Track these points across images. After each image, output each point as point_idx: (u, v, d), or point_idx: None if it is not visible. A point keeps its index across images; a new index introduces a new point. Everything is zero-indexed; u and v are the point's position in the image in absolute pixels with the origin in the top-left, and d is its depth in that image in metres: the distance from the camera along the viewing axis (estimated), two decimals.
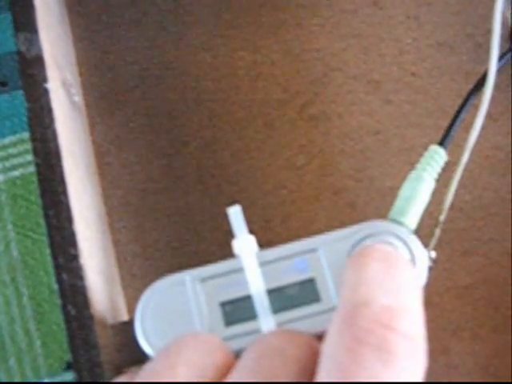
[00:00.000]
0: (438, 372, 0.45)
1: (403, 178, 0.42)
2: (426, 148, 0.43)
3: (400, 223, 0.42)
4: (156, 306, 0.40)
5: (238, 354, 0.38)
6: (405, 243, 0.41)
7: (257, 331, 0.39)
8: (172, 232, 0.49)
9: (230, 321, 0.40)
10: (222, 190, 0.49)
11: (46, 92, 0.44)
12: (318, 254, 0.41)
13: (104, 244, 0.46)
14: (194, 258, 0.47)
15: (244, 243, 0.40)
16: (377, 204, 0.48)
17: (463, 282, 0.47)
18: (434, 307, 0.47)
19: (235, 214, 0.41)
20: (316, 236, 0.41)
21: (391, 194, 0.47)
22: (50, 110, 0.43)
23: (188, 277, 0.41)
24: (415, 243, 0.41)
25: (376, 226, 0.41)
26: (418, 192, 0.42)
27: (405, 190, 0.43)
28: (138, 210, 0.49)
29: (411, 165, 0.43)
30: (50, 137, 0.43)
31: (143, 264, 0.48)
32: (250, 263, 0.40)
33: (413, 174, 0.43)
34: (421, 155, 0.43)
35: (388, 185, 0.48)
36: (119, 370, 0.40)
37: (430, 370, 0.47)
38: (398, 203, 0.43)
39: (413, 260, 0.41)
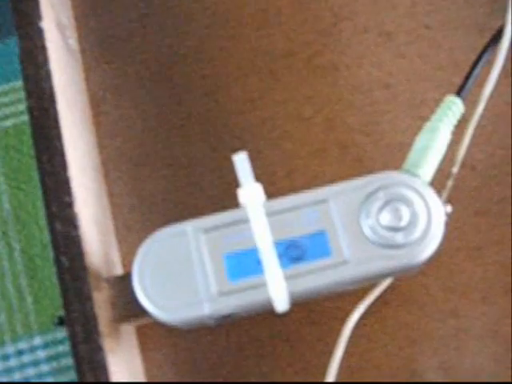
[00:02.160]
0: (447, 335, 0.43)
1: (413, 134, 0.41)
2: (437, 103, 0.41)
3: (415, 175, 0.40)
4: (155, 257, 0.38)
5: (240, 310, 0.36)
6: (420, 196, 0.39)
7: (262, 285, 0.37)
8: (170, 184, 0.46)
9: (234, 274, 0.37)
10: (224, 141, 0.46)
11: (39, 30, 0.41)
12: (328, 206, 0.38)
13: (99, 194, 0.44)
14: (194, 211, 0.44)
15: (250, 192, 0.38)
16: (385, 160, 0.45)
17: (474, 243, 0.44)
18: (443, 268, 0.44)
19: (241, 161, 0.38)
20: (326, 187, 0.39)
21: (400, 149, 0.44)
22: (43, 49, 0.40)
23: (190, 227, 0.38)
24: (431, 196, 0.39)
25: (390, 176, 0.39)
26: (433, 142, 0.40)
27: (420, 141, 0.41)
28: (134, 161, 0.47)
29: (422, 120, 0.41)
30: (44, 77, 0.40)
31: (140, 217, 0.45)
32: (257, 213, 0.38)
33: (428, 125, 0.41)
34: (432, 110, 0.41)
35: (397, 140, 0.46)
36: (113, 326, 0.37)
37: (439, 332, 0.45)
38: (413, 154, 0.40)
39: (428, 214, 0.38)
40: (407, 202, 0.38)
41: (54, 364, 0.45)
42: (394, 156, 0.45)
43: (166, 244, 0.38)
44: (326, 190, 0.38)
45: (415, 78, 0.48)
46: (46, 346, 0.45)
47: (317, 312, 0.44)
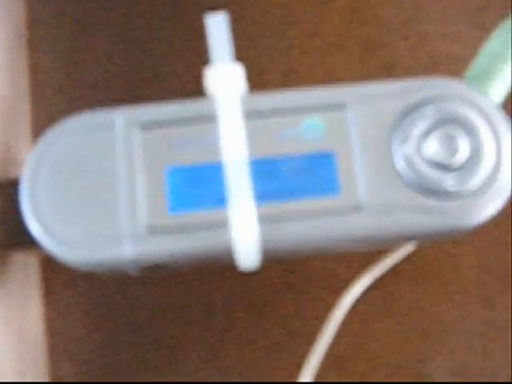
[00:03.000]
0: (474, 330, 0.30)
1: (466, 45, 0.33)
2: (507, 9, 0.33)
3: (481, 89, 0.25)
4: (60, 159, 0.24)
5: (180, 259, 0.22)
6: (488, 121, 0.25)
7: (221, 224, 0.23)
8: (116, 59, 0.32)
9: (178, 201, 0.23)
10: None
11: None
12: (343, 115, 0.24)
13: (15, 66, 0.30)
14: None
15: (224, 74, 0.23)
16: (427, 74, 0.32)
17: None
18: (479, 240, 0.31)
19: (217, 25, 0.24)
20: (345, 85, 0.25)
21: (448, 64, 0.32)
22: None
23: (121, 118, 0.24)
24: (503, 123, 0.25)
25: (445, 85, 0.25)
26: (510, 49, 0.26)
27: (492, 45, 0.27)
28: (71, 25, 0.32)
29: (482, 30, 0.34)
30: None
31: (67, 103, 0.31)
32: (229, 109, 0.23)
33: (505, 25, 0.27)
34: (497, 18, 0.34)
35: (445, 49, 0.32)
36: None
37: (463, 326, 0.32)
38: (481, 61, 0.27)
39: (498, 151, 0.24)
40: (468, 128, 0.24)
41: None
42: (436, 71, 0.33)
43: (79, 139, 0.24)
44: (343, 90, 0.24)
45: None
46: None
47: (300, 275, 0.30)
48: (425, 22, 0.35)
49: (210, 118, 0.24)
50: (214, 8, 0.26)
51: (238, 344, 0.32)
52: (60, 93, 0.34)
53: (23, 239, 0.28)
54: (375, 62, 0.34)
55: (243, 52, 0.33)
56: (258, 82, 0.33)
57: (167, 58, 0.34)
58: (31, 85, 0.34)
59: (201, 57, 0.32)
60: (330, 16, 0.34)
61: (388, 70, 0.34)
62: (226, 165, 0.23)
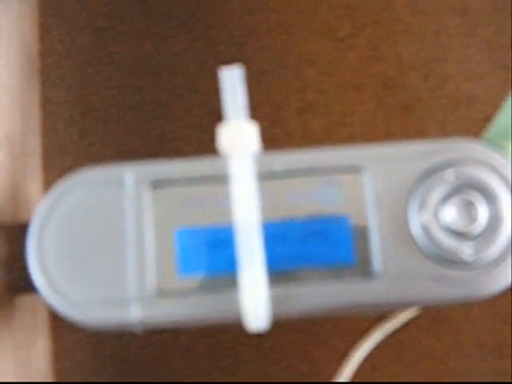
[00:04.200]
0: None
1: (490, 86, 0.32)
2: None
3: (502, 149, 0.25)
4: (67, 215, 0.24)
5: (186, 321, 0.22)
6: (507, 185, 0.24)
7: (230, 289, 0.23)
8: (129, 96, 0.32)
9: (188, 264, 0.23)
10: (216, 49, 0.32)
11: None
12: (360, 178, 0.24)
13: (26, 98, 0.32)
14: (158, 145, 0.30)
15: (237, 133, 0.23)
16: (445, 116, 0.32)
17: None
18: None
19: (231, 78, 0.23)
20: (362, 146, 0.24)
21: (470, 105, 0.31)
22: None
23: (131, 175, 0.24)
24: None
25: (465, 147, 0.24)
26: None
27: None
28: (83, 57, 0.31)
29: (507, 69, 0.33)
30: None
31: (79, 136, 0.31)
32: (242, 170, 0.23)
33: None
34: None
35: (467, 90, 0.31)
36: (2, 298, 0.27)
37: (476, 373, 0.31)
38: (501, 119, 0.26)
39: None
40: (488, 194, 0.23)
41: None
42: (458, 113, 0.31)
43: (87, 196, 0.23)
44: (361, 151, 0.24)
45: (504, 7, 0.32)
46: None
47: (308, 320, 0.29)
48: (446, 61, 0.34)
49: (222, 178, 0.23)
50: (231, 59, 0.25)
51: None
52: (71, 125, 0.33)
53: (31, 284, 0.28)
54: (394, 102, 0.33)
55: (261, 89, 0.33)
56: (275, 119, 0.33)
57: (179, 92, 0.33)
58: (42, 117, 0.34)
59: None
60: (347, 54, 0.34)
61: (407, 110, 0.33)
62: (237, 228, 0.23)
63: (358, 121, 0.33)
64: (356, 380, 0.31)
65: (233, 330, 0.32)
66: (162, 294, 0.23)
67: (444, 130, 0.33)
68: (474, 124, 0.29)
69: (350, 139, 0.33)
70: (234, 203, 0.23)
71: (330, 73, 0.34)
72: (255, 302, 0.23)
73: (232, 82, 0.24)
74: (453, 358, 0.32)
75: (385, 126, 0.33)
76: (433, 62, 0.34)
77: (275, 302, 0.23)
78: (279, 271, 0.23)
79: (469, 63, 0.34)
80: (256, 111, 0.33)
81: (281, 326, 0.32)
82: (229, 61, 0.33)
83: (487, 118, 0.27)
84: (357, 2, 0.34)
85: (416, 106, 0.33)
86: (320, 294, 0.23)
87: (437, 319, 0.32)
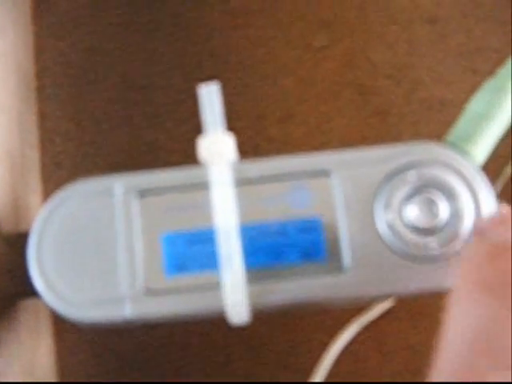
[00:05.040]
0: None
1: (460, 90, 0.34)
2: (501, 54, 0.33)
3: (463, 152, 0.27)
4: (63, 224, 0.26)
5: (175, 316, 0.24)
6: (468, 185, 0.26)
7: (213, 287, 0.25)
8: (122, 110, 0.34)
9: (173, 265, 0.25)
10: (199, 65, 0.34)
11: None
12: (329, 181, 0.26)
13: (23, 114, 0.32)
14: (148, 155, 0.32)
15: (215, 143, 0.25)
16: (417, 119, 0.33)
17: None
18: None
19: (209, 94, 0.25)
20: (330, 152, 0.26)
21: (440, 109, 0.33)
22: None
23: (119, 184, 0.26)
24: (483, 187, 0.26)
25: (426, 150, 0.26)
26: (496, 109, 0.27)
27: (477, 104, 0.28)
28: (79, 74, 0.33)
29: (476, 74, 0.34)
30: None
31: (75, 150, 0.32)
32: (221, 177, 0.25)
33: (491, 83, 0.28)
34: (491, 63, 0.32)
35: (438, 95, 0.33)
36: (6, 303, 0.29)
37: None
38: (464, 122, 0.28)
39: (477, 211, 0.26)
40: (448, 192, 0.25)
41: None
42: (430, 116, 0.33)
43: (81, 205, 0.26)
44: (329, 156, 0.26)
45: (472, 15, 0.34)
46: None
47: (293, 316, 0.31)
48: (417, 67, 0.36)
49: (202, 185, 0.25)
50: (215, 73, 0.27)
51: (236, 377, 0.34)
52: (67, 139, 0.35)
53: (33, 289, 0.30)
54: (369, 108, 0.35)
55: (243, 100, 0.35)
56: (257, 127, 0.35)
57: (167, 105, 0.35)
58: (39, 133, 0.36)
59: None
60: (324, 63, 0.36)
61: (381, 116, 0.35)
62: (217, 231, 0.25)
63: (336, 127, 0.35)
64: (338, 371, 0.33)
65: (224, 328, 0.34)
66: (151, 293, 0.25)
67: (417, 133, 0.35)
68: (446, 126, 0.30)
69: (328, 144, 0.35)
70: (214, 208, 0.25)
71: (308, 82, 0.36)
72: (236, 298, 0.25)
73: (210, 97, 0.26)
74: (431, 347, 0.34)
75: (361, 131, 0.35)
76: (405, 68, 0.36)
77: (254, 297, 0.25)
78: (257, 269, 0.25)
79: (439, 69, 0.36)
80: (239, 121, 0.35)
81: (267, 323, 0.34)
82: (212, 75, 0.35)
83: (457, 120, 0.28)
84: (331, 14, 0.36)
85: (390, 111, 0.35)
86: (295, 289, 0.25)
87: (413, 309, 0.34)
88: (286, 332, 0.34)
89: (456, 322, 0.21)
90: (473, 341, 0.20)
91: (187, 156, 0.34)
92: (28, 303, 0.33)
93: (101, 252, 0.25)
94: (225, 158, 0.25)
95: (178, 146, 0.34)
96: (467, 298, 0.21)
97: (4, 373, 0.29)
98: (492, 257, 0.21)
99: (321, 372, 0.31)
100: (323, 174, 0.26)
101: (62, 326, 0.34)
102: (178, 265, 0.25)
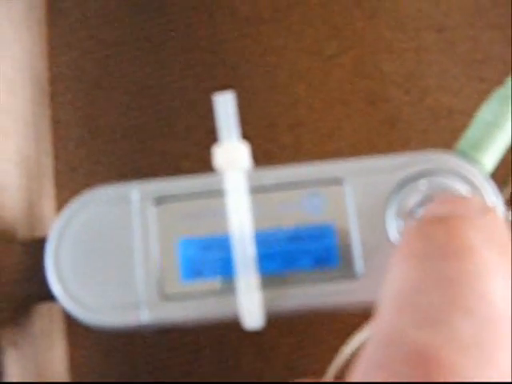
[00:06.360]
0: None
1: (468, 98, 0.34)
2: (507, 62, 0.35)
3: (473, 160, 0.27)
4: (81, 230, 0.26)
5: (191, 321, 0.24)
6: (477, 192, 0.26)
7: (228, 292, 0.25)
8: (133, 116, 0.34)
9: (189, 271, 0.25)
10: (211, 74, 0.34)
11: None
12: (341, 189, 0.26)
13: (37, 121, 0.32)
14: (158, 161, 0.32)
15: (230, 152, 0.26)
16: (426, 128, 0.34)
17: None
18: None
19: (224, 104, 0.26)
20: (342, 160, 0.27)
21: (449, 117, 0.33)
22: None
23: (137, 192, 0.26)
24: (492, 194, 0.26)
25: (437, 159, 0.27)
26: (505, 117, 0.28)
27: (486, 112, 0.28)
28: (91, 81, 0.34)
29: (483, 82, 0.35)
30: None
31: (88, 156, 0.33)
32: (236, 185, 0.25)
33: (500, 92, 0.29)
34: (498, 72, 0.34)
35: (446, 104, 0.34)
36: (22, 307, 0.30)
37: None
38: (474, 130, 0.28)
39: None
40: None
41: None
42: (438, 124, 0.33)
43: (98, 212, 0.26)
44: (342, 165, 0.26)
45: (480, 23, 0.35)
46: None
47: (304, 321, 0.32)
48: (426, 76, 0.36)
49: (218, 193, 0.26)
50: (225, 88, 0.27)
51: (246, 380, 0.35)
52: (80, 146, 0.36)
53: (47, 294, 0.30)
54: (378, 116, 0.36)
55: (254, 108, 0.35)
56: (268, 135, 0.35)
57: (179, 112, 0.36)
58: (53, 139, 0.37)
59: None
60: (334, 71, 0.36)
61: (390, 124, 0.36)
62: (232, 237, 0.25)
63: (346, 134, 0.36)
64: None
65: (235, 332, 0.35)
66: (167, 298, 0.26)
67: (426, 141, 0.35)
68: (454, 134, 0.31)
69: (338, 151, 0.35)
70: (229, 215, 0.25)
71: (318, 89, 0.36)
72: (250, 304, 0.25)
73: (225, 106, 0.26)
74: None
75: (370, 139, 0.35)
76: (413, 76, 0.36)
77: (268, 302, 0.25)
78: (271, 275, 0.26)
79: (447, 77, 0.36)
80: (250, 128, 0.35)
81: (279, 327, 0.34)
82: (224, 82, 0.36)
83: (466, 128, 0.29)
84: (342, 23, 0.37)
85: (399, 119, 0.36)
86: (308, 295, 0.25)
87: None
88: (296, 335, 0.34)
89: (385, 288, 0.22)
90: (396, 301, 0.21)
91: (199, 163, 0.35)
92: (42, 308, 0.33)
93: (118, 258, 0.26)
94: (240, 165, 0.26)
95: (189, 153, 0.35)
96: (395, 265, 0.22)
97: (22, 375, 0.30)
98: (418, 229, 0.22)
99: (330, 375, 0.32)
100: (336, 181, 0.26)
101: (74, 331, 0.35)
102: (194, 270, 0.26)
